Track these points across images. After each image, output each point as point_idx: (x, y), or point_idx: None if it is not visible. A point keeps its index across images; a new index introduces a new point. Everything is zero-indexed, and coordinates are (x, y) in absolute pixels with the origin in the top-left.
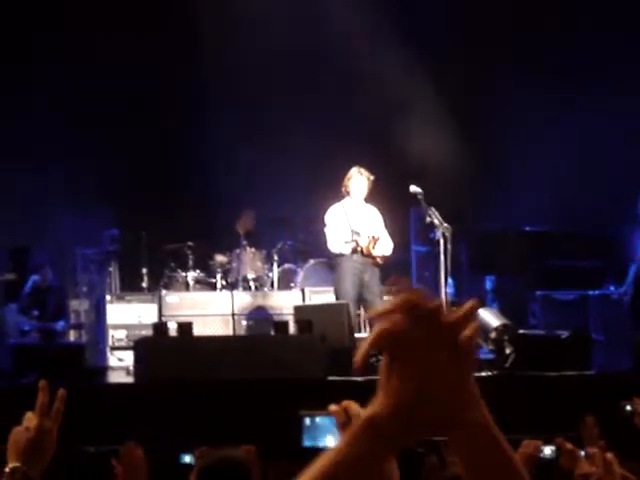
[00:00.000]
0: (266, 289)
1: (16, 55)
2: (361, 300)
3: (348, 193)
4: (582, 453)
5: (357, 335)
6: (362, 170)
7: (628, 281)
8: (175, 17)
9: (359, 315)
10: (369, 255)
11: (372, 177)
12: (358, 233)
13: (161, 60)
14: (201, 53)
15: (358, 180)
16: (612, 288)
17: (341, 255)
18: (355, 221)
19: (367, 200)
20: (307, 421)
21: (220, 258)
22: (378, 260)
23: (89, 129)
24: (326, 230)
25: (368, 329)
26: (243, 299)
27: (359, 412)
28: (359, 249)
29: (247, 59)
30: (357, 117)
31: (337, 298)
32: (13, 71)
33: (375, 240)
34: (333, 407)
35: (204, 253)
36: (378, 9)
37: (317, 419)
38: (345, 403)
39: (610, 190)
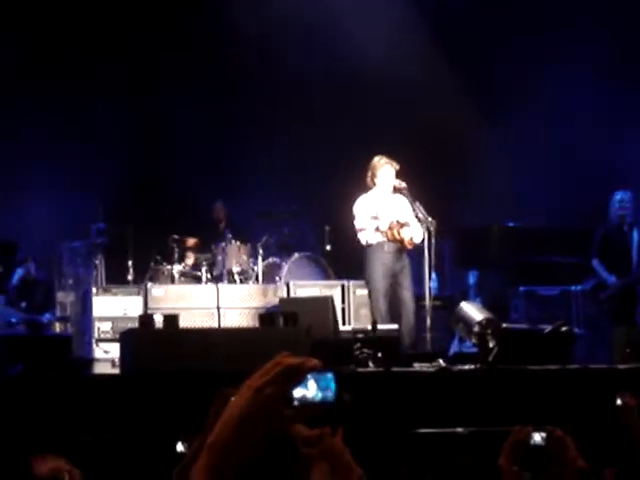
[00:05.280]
0: (251, 282)
1: None
2: (392, 292)
3: (375, 184)
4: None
5: (342, 328)
6: (387, 159)
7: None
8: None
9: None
10: (394, 240)
11: (398, 166)
12: (377, 217)
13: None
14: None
15: (387, 171)
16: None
17: (370, 246)
18: (383, 211)
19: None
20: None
21: (192, 241)
22: (406, 245)
23: (74, 123)
24: (355, 222)
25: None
26: (230, 292)
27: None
28: (383, 234)
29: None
30: (342, 110)
31: (369, 290)
32: None
33: (399, 225)
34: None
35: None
36: None
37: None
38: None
39: (593, 186)
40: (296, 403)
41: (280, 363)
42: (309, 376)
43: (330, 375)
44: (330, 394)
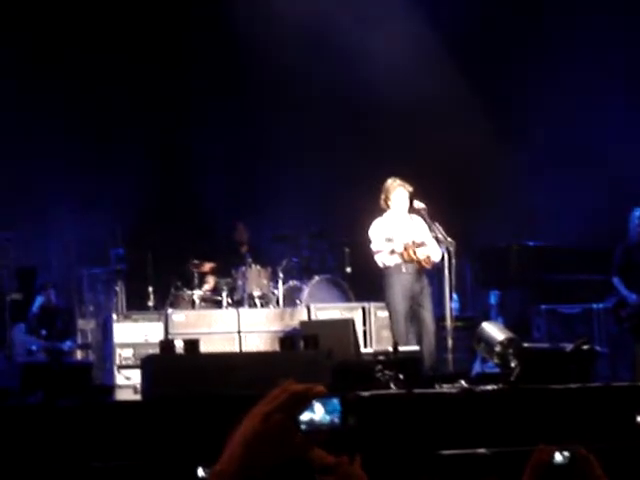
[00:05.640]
0: (272, 306)
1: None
2: (412, 313)
3: (388, 207)
4: None
5: (363, 350)
6: (400, 182)
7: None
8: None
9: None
10: (411, 260)
11: (411, 188)
12: (391, 240)
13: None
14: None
15: (400, 194)
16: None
17: (388, 268)
18: (398, 232)
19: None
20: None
21: (208, 266)
22: (424, 264)
23: (93, 147)
24: (371, 246)
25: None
26: (250, 316)
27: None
28: (399, 256)
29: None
30: (359, 134)
31: (389, 312)
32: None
33: (414, 245)
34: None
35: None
36: None
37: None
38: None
39: (612, 203)
40: (303, 427)
41: (286, 390)
42: (315, 401)
43: (335, 400)
44: (336, 418)
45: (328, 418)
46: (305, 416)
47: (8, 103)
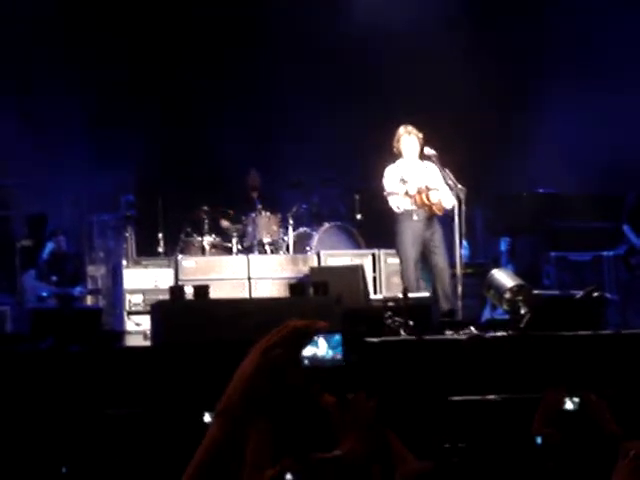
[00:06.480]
0: (281, 252)
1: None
2: (424, 259)
3: (400, 154)
4: None
5: (372, 297)
6: (410, 129)
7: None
8: None
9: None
10: (423, 204)
11: (421, 134)
12: (405, 181)
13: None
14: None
15: (407, 140)
16: None
17: (400, 214)
18: (410, 177)
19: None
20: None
21: (225, 224)
22: (436, 210)
23: (106, 97)
24: (385, 190)
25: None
26: (260, 262)
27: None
28: (411, 199)
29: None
30: (371, 80)
31: (399, 258)
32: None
33: (427, 189)
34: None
35: (219, 218)
36: None
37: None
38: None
39: (624, 151)
40: (307, 362)
41: (287, 326)
42: (319, 336)
43: (338, 336)
44: (339, 354)
45: (331, 353)
46: (308, 351)
47: (26, 53)
